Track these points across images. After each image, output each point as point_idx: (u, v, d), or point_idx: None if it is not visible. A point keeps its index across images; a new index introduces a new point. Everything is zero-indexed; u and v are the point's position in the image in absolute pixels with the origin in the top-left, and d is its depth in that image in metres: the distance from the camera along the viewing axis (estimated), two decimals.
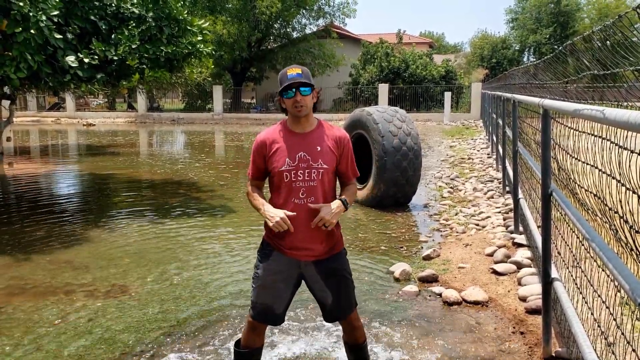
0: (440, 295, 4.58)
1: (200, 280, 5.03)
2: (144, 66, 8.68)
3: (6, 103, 11.86)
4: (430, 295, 4.63)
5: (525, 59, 44.26)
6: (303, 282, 2.90)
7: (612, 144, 1.79)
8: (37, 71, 7.58)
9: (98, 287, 4.87)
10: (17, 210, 8.36)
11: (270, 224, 2.72)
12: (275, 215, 2.69)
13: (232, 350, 3.11)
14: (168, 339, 3.79)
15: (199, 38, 9.35)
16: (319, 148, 2.78)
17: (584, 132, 2.41)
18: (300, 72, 2.70)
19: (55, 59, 7.72)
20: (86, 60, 7.92)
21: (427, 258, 5.62)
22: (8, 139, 14.87)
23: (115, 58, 8.27)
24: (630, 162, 1.61)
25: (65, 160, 15.52)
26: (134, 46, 8.40)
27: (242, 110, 36.82)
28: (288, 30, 36.48)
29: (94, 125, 30.62)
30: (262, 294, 2.84)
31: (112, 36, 8.45)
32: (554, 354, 3.39)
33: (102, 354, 3.58)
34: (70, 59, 7.73)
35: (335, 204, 2.76)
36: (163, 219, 7.58)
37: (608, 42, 2.03)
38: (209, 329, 3.96)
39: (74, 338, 3.81)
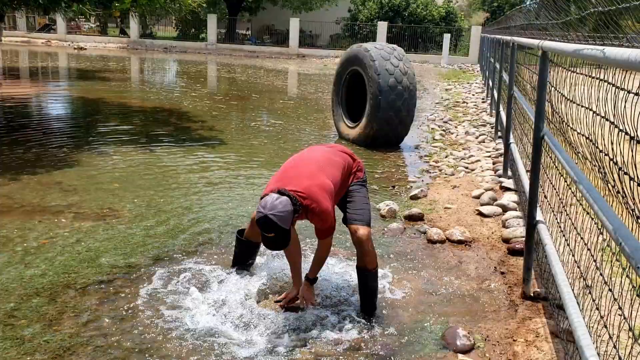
0: (424, 233, 4.64)
1: (189, 208, 5.05)
2: None
3: None
4: (415, 233, 4.69)
5: (527, 3, 43.37)
6: None
7: (609, 85, 1.77)
8: None
9: (86, 209, 4.88)
10: (5, 131, 8.26)
11: (295, 292, 3.28)
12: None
13: (235, 242, 3.73)
14: (156, 263, 3.83)
15: None
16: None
17: (581, 74, 2.38)
18: (273, 235, 2.82)
19: None
20: None
21: (415, 198, 5.66)
22: None
23: None
24: (626, 103, 1.59)
25: (56, 83, 15.25)
26: None
27: (237, 41, 36.04)
28: None
29: (86, 49, 29.94)
30: None
31: None
32: (532, 294, 3.48)
33: (90, 273, 3.62)
34: None
35: (306, 288, 3.24)
36: (153, 146, 7.54)
37: None
38: (196, 254, 4.01)
39: (61, 257, 3.84)
